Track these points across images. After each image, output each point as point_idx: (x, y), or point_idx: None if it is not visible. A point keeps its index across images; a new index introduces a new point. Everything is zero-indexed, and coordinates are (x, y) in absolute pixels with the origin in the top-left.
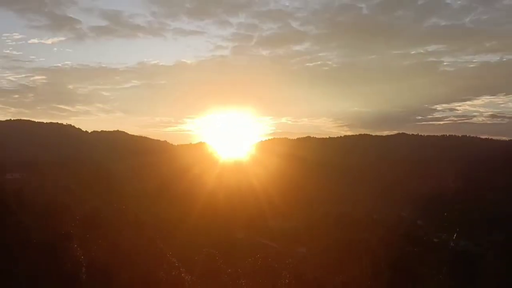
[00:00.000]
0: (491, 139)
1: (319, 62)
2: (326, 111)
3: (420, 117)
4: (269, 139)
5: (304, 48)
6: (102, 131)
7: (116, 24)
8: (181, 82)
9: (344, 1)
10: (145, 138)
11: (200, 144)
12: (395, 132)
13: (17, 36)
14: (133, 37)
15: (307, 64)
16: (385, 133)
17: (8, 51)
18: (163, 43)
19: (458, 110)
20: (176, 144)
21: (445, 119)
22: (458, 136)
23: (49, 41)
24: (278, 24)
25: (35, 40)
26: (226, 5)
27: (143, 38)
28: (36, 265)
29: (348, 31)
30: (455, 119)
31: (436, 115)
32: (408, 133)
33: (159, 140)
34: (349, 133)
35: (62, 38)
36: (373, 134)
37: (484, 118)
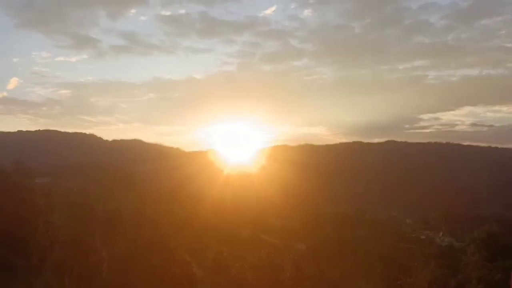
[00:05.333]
0: (472, 145)
1: (315, 76)
2: (323, 120)
3: (407, 126)
4: (271, 146)
5: (302, 64)
6: (121, 139)
7: (133, 43)
8: (192, 95)
9: (338, 22)
10: (160, 145)
11: (209, 150)
12: (385, 139)
13: (45, 54)
14: (149, 55)
15: (305, 78)
16: (376, 140)
17: (37, 68)
18: (175, 60)
19: (442, 119)
20: (187, 151)
21: (430, 127)
22: (443, 143)
23: (74, 59)
24: (279, 42)
25: (61, 58)
26: (232, 25)
27: (158, 55)
28: (63, 260)
29: (342, 48)
30: (440, 127)
31: (422, 123)
32: (397, 140)
33: (173, 147)
34: (344, 140)
35: (85, 56)
36: (365, 141)
37: (465, 127)
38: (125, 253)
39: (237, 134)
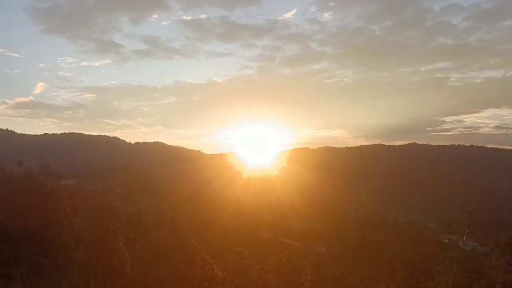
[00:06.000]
0: (497, 148)
1: (336, 79)
2: (343, 123)
3: (429, 128)
4: (291, 149)
5: (322, 67)
6: (143, 142)
7: (155, 48)
8: (212, 98)
9: (358, 24)
10: (181, 148)
11: (230, 153)
12: (406, 142)
13: (70, 59)
14: (170, 59)
15: (325, 81)
16: (398, 143)
17: (62, 73)
18: (196, 64)
19: (465, 121)
20: (208, 153)
21: (453, 130)
22: (466, 146)
23: (97, 64)
24: (299, 45)
25: (85, 63)
26: (252, 29)
27: (179, 59)
28: (88, 260)
29: (362, 50)
30: (463, 130)
31: (445, 126)
32: (419, 143)
33: (194, 150)
34: (365, 143)
35: (109, 61)
36: (387, 144)
37: (489, 129)
38: (147, 254)
39: (257, 137)
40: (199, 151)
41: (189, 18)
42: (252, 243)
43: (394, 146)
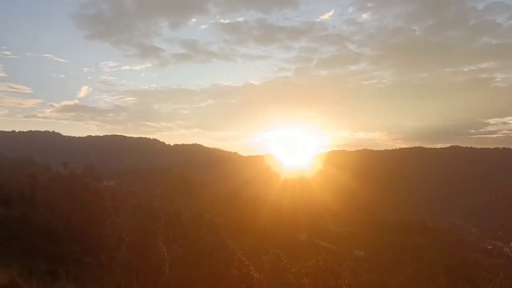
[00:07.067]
0: None
1: (374, 81)
2: (381, 125)
3: (473, 131)
4: (328, 151)
5: (360, 68)
6: (182, 144)
7: (193, 51)
8: (249, 100)
9: (398, 24)
10: (219, 150)
11: (266, 155)
12: (448, 145)
13: (112, 64)
14: (208, 62)
15: (363, 83)
16: (439, 145)
17: (104, 77)
18: (233, 67)
19: (510, 123)
20: (245, 155)
21: (498, 132)
22: (511, 148)
23: (138, 68)
24: (336, 47)
25: (127, 67)
26: (289, 31)
27: (216, 62)
28: (130, 260)
29: (401, 51)
30: (508, 132)
31: (489, 128)
32: (462, 145)
33: (231, 151)
34: (404, 146)
35: (149, 65)
36: (427, 146)
37: None
38: (185, 254)
39: (293, 139)
40: (235, 153)
41: (226, 21)
42: (289, 245)
43: (435, 149)
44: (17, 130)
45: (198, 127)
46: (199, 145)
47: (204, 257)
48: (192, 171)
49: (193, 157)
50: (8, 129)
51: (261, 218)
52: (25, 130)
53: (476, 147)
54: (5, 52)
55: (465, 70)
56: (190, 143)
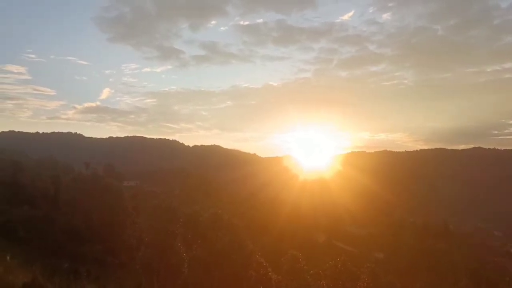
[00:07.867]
0: None
1: (395, 81)
2: (402, 126)
3: (496, 132)
4: (348, 153)
5: (381, 69)
6: (201, 145)
7: (213, 53)
8: (268, 102)
9: (419, 24)
10: (238, 151)
11: (285, 156)
12: (471, 146)
13: (133, 66)
14: (227, 64)
15: (384, 83)
16: (461, 147)
17: (126, 79)
18: (252, 68)
19: None
20: (264, 157)
21: None
22: None
23: (159, 70)
24: (356, 47)
25: (148, 69)
26: (309, 32)
27: (236, 64)
28: (150, 259)
29: (422, 51)
30: None
31: None
32: (485, 147)
33: (249, 153)
34: (425, 147)
35: (169, 67)
36: (449, 148)
37: None
38: (204, 255)
39: (313, 140)
40: (254, 154)
41: (246, 23)
42: (307, 246)
43: (457, 150)
44: (40, 132)
45: (217, 128)
46: (218, 146)
47: (222, 258)
48: (211, 172)
49: (212, 158)
50: (32, 130)
51: (280, 219)
52: (48, 132)
53: (499, 148)
54: (30, 55)
55: (488, 70)
56: (209, 144)
